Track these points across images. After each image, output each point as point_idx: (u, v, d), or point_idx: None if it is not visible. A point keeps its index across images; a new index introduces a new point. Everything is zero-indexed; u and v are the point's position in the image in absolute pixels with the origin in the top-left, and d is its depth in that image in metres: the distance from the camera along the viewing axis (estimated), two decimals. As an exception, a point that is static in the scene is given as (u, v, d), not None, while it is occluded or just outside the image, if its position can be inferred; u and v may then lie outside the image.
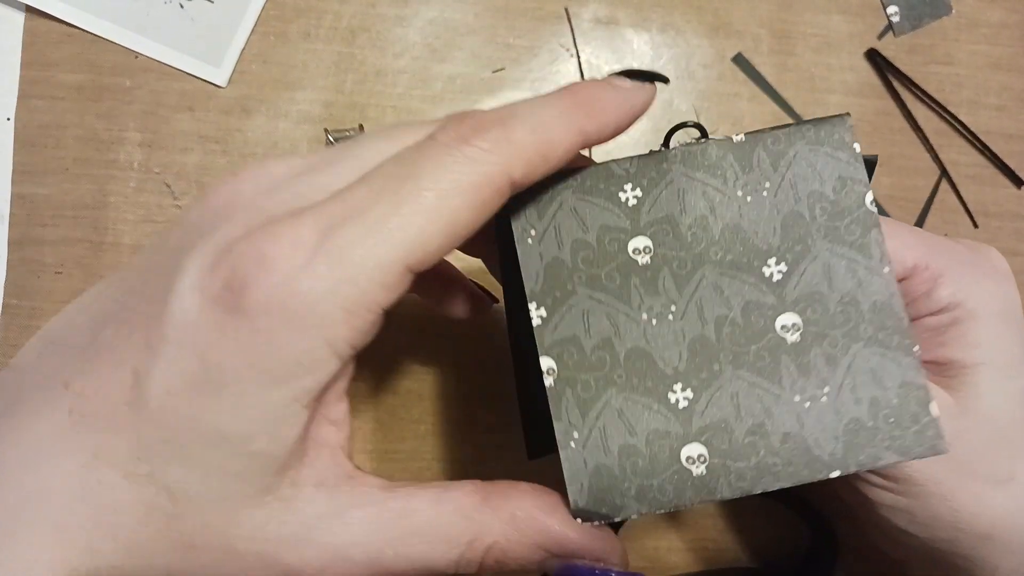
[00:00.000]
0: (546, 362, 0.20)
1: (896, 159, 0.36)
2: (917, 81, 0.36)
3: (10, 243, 0.33)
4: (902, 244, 0.23)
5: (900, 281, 0.23)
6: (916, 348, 0.20)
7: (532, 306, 0.20)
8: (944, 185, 0.37)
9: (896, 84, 0.37)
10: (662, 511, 0.20)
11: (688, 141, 0.21)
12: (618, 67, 0.35)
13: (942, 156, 0.37)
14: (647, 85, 0.20)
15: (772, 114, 0.36)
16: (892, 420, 0.19)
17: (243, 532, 0.17)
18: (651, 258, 0.20)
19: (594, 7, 0.35)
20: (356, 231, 0.16)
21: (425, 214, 0.17)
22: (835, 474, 0.19)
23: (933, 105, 0.37)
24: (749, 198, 0.20)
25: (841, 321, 0.20)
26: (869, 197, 0.20)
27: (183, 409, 0.16)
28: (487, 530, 0.18)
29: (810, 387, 0.20)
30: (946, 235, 0.36)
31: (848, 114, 0.21)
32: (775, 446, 0.20)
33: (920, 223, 0.36)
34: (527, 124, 0.18)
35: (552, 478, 0.20)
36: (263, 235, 0.16)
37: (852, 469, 0.19)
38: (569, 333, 0.20)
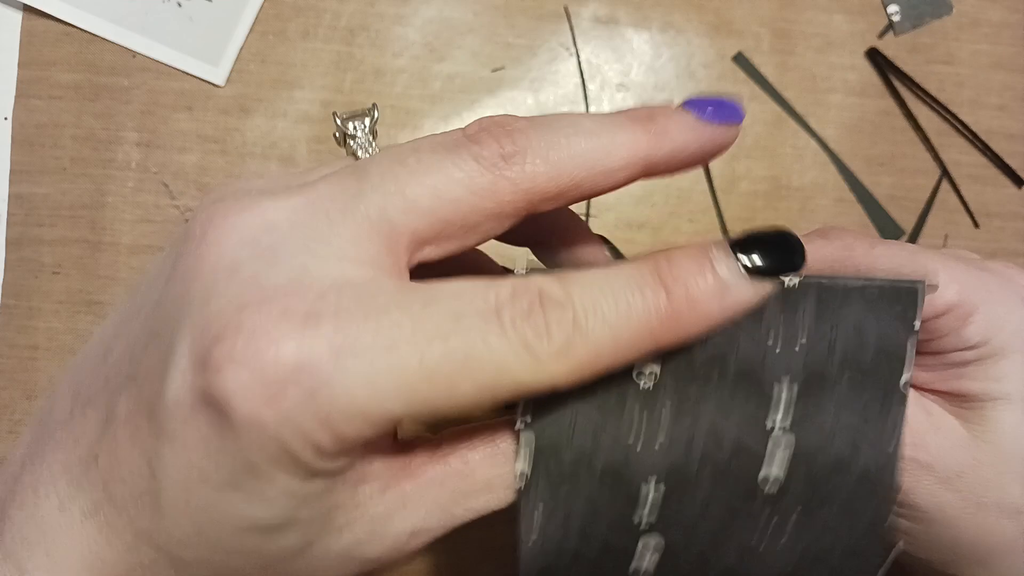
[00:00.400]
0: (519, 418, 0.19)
1: (897, 159, 0.36)
2: (918, 80, 0.36)
3: (8, 243, 0.33)
4: (950, 278, 0.21)
5: (937, 318, 0.22)
6: (887, 521, 0.19)
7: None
8: (945, 185, 0.37)
9: (897, 83, 0.36)
10: None
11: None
12: (616, 70, 0.35)
13: (943, 156, 0.36)
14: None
15: (773, 113, 0.36)
16: (841, 558, 0.19)
17: (317, 569, 0.17)
18: (654, 384, 0.18)
19: (594, 6, 0.35)
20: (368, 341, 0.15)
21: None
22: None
23: (934, 105, 0.36)
24: (779, 349, 0.18)
25: (823, 483, 0.18)
26: (904, 378, 0.18)
27: (204, 499, 0.16)
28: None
29: (777, 536, 0.19)
30: (947, 235, 0.36)
31: (922, 284, 0.18)
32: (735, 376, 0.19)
33: (921, 223, 0.36)
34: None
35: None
36: (253, 333, 0.15)
37: None
38: (552, 439, 0.19)
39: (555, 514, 0.19)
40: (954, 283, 0.21)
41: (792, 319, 0.18)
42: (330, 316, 0.15)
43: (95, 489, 0.16)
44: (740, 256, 0.16)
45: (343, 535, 0.17)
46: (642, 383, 0.18)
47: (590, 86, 0.35)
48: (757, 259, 0.16)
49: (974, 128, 0.36)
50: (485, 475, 0.18)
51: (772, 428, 0.18)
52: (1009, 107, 0.37)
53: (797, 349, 0.18)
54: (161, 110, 0.33)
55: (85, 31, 0.33)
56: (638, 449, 0.18)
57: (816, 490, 0.18)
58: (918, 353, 0.21)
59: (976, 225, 0.37)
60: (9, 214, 0.33)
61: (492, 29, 0.35)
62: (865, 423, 0.18)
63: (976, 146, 0.37)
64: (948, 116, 0.36)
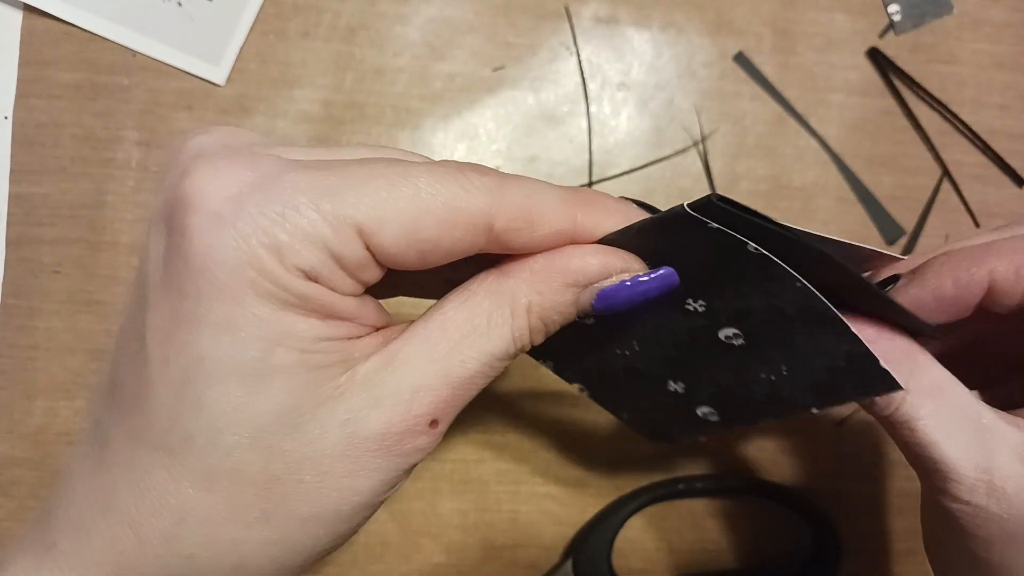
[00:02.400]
0: (576, 385, 0.25)
1: (898, 158, 0.36)
2: (919, 80, 0.36)
3: (8, 242, 0.33)
4: None
5: None
6: (849, 328, 0.20)
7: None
8: (946, 185, 0.36)
9: (898, 83, 0.36)
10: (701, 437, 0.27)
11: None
12: (616, 69, 0.35)
13: (944, 156, 0.36)
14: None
15: (773, 113, 0.36)
16: (849, 377, 0.21)
17: (315, 438, 0.17)
18: (593, 321, 0.21)
19: (595, 6, 0.35)
20: (301, 177, 0.16)
21: (393, 192, 0.16)
22: (815, 411, 0.22)
23: (935, 104, 0.36)
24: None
25: (772, 321, 0.20)
26: (751, 247, 0.19)
27: (178, 351, 0.16)
28: (517, 295, 0.18)
29: (772, 369, 0.22)
30: (947, 236, 0.36)
31: (686, 205, 0.18)
32: (763, 403, 0.22)
33: (921, 223, 0.36)
34: (524, 187, 0.18)
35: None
36: (202, 161, 0.16)
37: (827, 407, 0.22)
38: (578, 364, 0.24)
39: (618, 402, 0.26)
40: None
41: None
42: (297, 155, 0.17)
43: (103, 414, 0.17)
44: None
45: (338, 406, 0.17)
46: (587, 320, 0.20)
47: (591, 85, 0.35)
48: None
49: (975, 128, 0.36)
50: (465, 321, 0.18)
51: (692, 307, 0.21)
52: (1010, 107, 0.37)
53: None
54: (161, 109, 0.33)
55: (85, 30, 0.33)
56: (627, 353, 0.23)
57: (768, 329, 0.20)
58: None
59: (977, 225, 0.37)
60: (9, 213, 0.33)
61: (493, 28, 0.35)
62: (753, 278, 0.20)
63: (977, 146, 0.37)
64: (949, 116, 0.36)
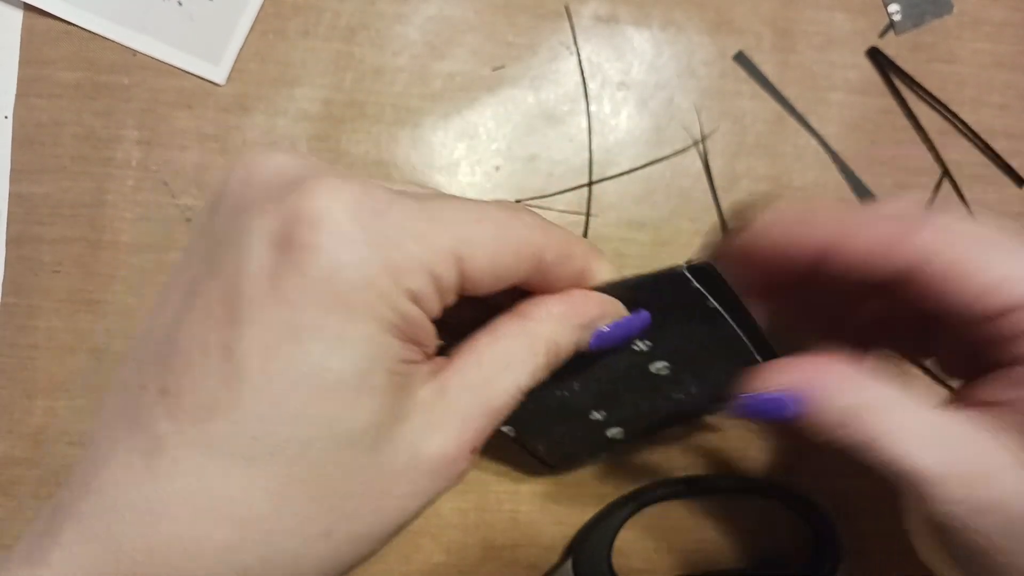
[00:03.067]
0: (505, 428, 0.27)
1: (898, 158, 0.36)
2: (919, 79, 0.36)
3: (8, 241, 0.33)
4: (1013, 270, 0.21)
5: (1009, 313, 0.21)
6: (759, 358, 0.25)
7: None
8: (946, 184, 0.36)
9: (898, 82, 0.36)
10: (600, 458, 0.30)
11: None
12: (616, 68, 0.35)
13: (944, 155, 0.36)
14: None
15: (773, 112, 0.36)
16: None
17: (388, 458, 0.18)
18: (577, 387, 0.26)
19: (594, 5, 0.35)
20: (409, 206, 0.17)
21: (482, 225, 0.19)
22: (707, 417, 0.29)
23: (935, 104, 0.36)
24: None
25: (701, 356, 0.25)
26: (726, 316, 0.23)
27: (284, 365, 0.16)
28: (538, 336, 0.21)
29: (683, 390, 0.26)
30: (948, 234, 0.36)
31: (683, 266, 0.22)
32: (666, 417, 0.28)
33: (922, 222, 0.36)
34: (561, 230, 0.21)
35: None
36: (322, 183, 0.17)
37: (718, 415, 0.28)
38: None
39: (538, 438, 0.29)
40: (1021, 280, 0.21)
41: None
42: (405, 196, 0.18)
43: (159, 423, 0.17)
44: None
45: (405, 428, 0.18)
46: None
47: (591, 84, 0.35)
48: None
49: (975, 127, 0.36)
50: (500, 358, 0.20)
51: (638, 347, 0.24)
52: (1011, 106, 0.37)
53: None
54: (161, 108, 0.33)
55: (85, 29, 0.33)
56: (566, 394, 0.26)
57: (695, 362, 0.25)
58: (999, 366, 0.22)
59: (977, 224, 0.37)
60: (9, 212, 0.33)
61: (493, 28, 0.35)
62: (703, 323, 0.24)
63: (977, 145, 0.37)
64: (949, 115, 0.36)
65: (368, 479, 0.18)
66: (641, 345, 0.24)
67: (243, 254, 0.17)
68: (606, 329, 0.22)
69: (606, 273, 0.22)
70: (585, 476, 0.34)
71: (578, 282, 0.22)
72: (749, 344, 0.24)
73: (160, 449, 0.17)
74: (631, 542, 0.34)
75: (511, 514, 0.34)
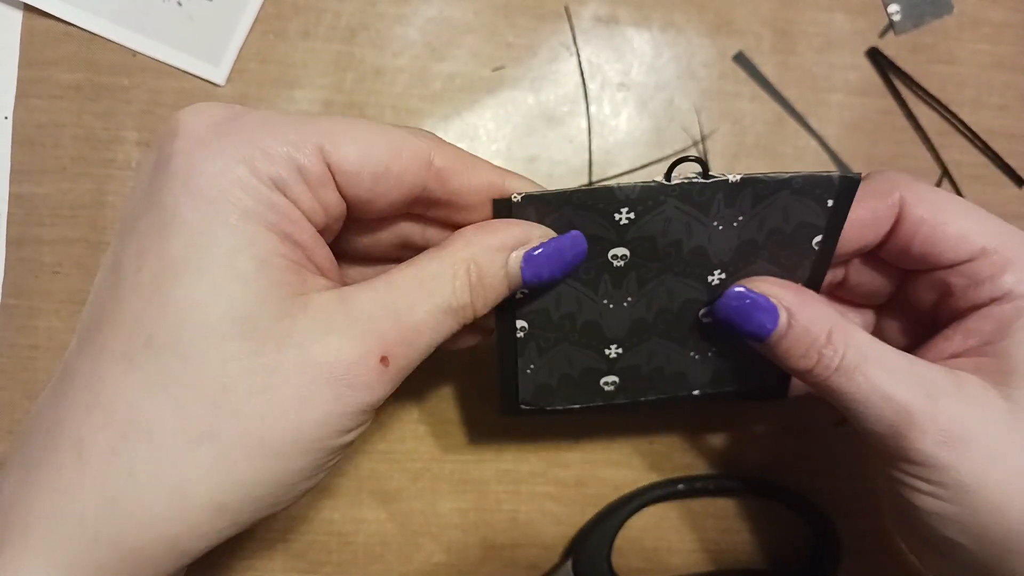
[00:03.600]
0: (520, 322, 0.26)
1: (898, 159, 0.36)
2: (919, 80, 0.36)
3: (8, 242, 0.33)
4: (975, 226, 0.24)
5: (966, 263, 0.23)
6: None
7: None
8: (945, 185, 0.36)
9: (898, 83, 0.36)
10: (575, 406, 0.28)
11: (689, 176, 0.24)
12: (616, 69, 0.35)
13: (944, 156, 0.36)
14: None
15: (773, 113, 0.36)
16: (752, 370, 0.27)
17: (270, 352, 0.18)
18: (625, 264, 0.25)
19: (594, 6, 0.35)
20: (271, 114, 0.19)
21: (350, 124, 0.19)
22: (696, 392, 0.28)
23: (935, 104, 0.36)
24: (721, 227, 0.24)
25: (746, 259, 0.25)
26: (817, 239, 0.25)
27: (154, 257, 0.18)
28: (455, 258, 0.21)
29: (703, 350, 0.27)
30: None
31: (837, 175, 0.24)
32: (665, 377, 0.28)
33: (922, 223, 0.36)
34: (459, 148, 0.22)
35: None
36: (188, 109, 0.19)
37: (707, 392, 0.28)
38: (542, 306, 0.25)
39: (545, 351, 0.27)
40: (992, 231, 0.23)
41: (732, 206, 0.24)
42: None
43: (69, 352, 0.19)
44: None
45: (293, 325, 0.18)
46: (615, 263, 0.25)
47: (591, 85, 0.35)
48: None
49: (975, 128, 0.36)
50: (412, 277, 0.20)
51: (712, 281, 0.25)
52: (1010, 107, 0.37)
53: (735, 225, 0.24)
54: (161, 109, 0.33)
55: (85, 30, 0.33)
56: (611, 307, 0.26)
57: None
58: (958, 319, 0.24)
59: (977, 225, 0.37)
60: (9, 214, 0.33)
61: (492, 29, 0.35)
62: (783, 271, 0.25)
63: (977, 146, 0.37)
64: (949, 116, 0.36)
65: (247, 371, 0.17)
66: (717, 276, 0.25)
67: (135, 179, 0.18)
68: (531, 251, 0.22)
69: (521, 185, 0.23)
70: (585, 476, 0.34)
71: (502, 193, 0.22)
72: (809, 271, 0.25)
73: (68, 373, 0.18)
74: (631, 542, 0.34)
75: (511, 514, 0.34)
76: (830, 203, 0.24)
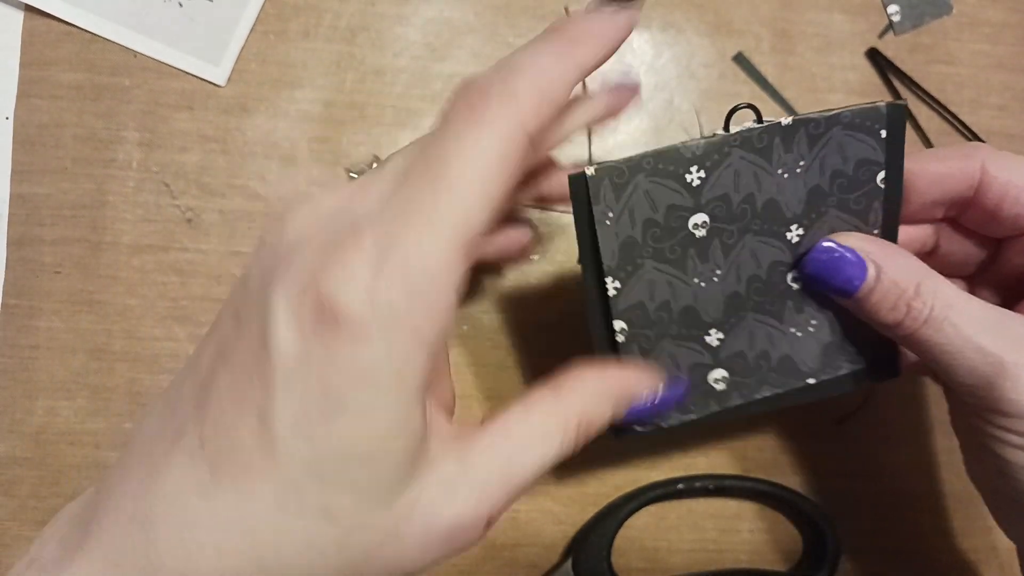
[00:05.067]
0: (619, 324, 0.25)
1: (897, 159, 0.36)
2: (918, 80, 0.36)
3: (9, 243, 0.33)
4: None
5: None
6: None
7: (608, 280, 0.25)
8: (945, 185, 0.37)
9: (897, 83, 0.36)
10: (691, 417, 0.26)
11: (746, 124, 0.24)
12: (616, 69, 0.35)
13: (943, 156, 0.36)
14: (626, 8, 0.22)
15: (773, 113, 0.36)
16: (855, 341, 0.26)
17: (402, 518, 0.19)
18: (707, 231, 0.25)
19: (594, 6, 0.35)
20: (411, 234, 0.17)
21: (463, 195, 0.18)
22: (811, 380, 0.27)
23: (934, 105, 0.36)
24: (786, 175, 0.25)
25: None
26: (880, 176, 0.25)
27: (316, 436, 0.17)
28: (569, 415, 0.21)
29: (802, 323, 0.26)
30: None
31: (883, 104, 0.24)
32: (774, 365, 0.26)
33: (921, 223, 0.36)
34: (527, 76, 0.19)
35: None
36: (335, 258, 0.17)
37: (821, 378, 0.27)
38: (637, 300, 0.25)
39: (648, 353, 0.26)
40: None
41: (791, 150, 0.24)
42: (387, 212, 0.18)
43: (198, 469, 0.18)
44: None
45: (423, 492, 0.19)
46: (697, 233, 0.24)
47: (591, 86, 0.35)
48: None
49: (974, 128, 0.36)
50: (526, 434, 0.21)
51: (791, 238, 0.25)
52: (1009, 107, 0.37)
53: (799, 171, 0.24)
54: (162, 110, 0.33)
55: (86, 31, 0.33)
56: (703, 285, 0.25)
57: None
58: None
59: (976, 225, 0.37)
60: (10, 214, 0.33)
61: (493, 29, 0.35)
62: (856, 217, 0.25)
63: (976, 146, 0.37)
64: (948, 116, 0.36)
65: (385, 539, 0.18)
66: (795, 233, 0.25)
67: (272, 325, 0.17)
68: (636, 407, 0.23)
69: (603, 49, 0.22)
70: (585, 476, 0.34)
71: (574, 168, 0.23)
72: (882, 213, 0.25)
73: (202, 494, 0.18)
74: (631, 541, 0.34)
75: (511, 513, 0.34)
76: (883, 134, 0.24)
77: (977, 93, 0.37)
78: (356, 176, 0.21)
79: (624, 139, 0.35)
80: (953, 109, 0.36)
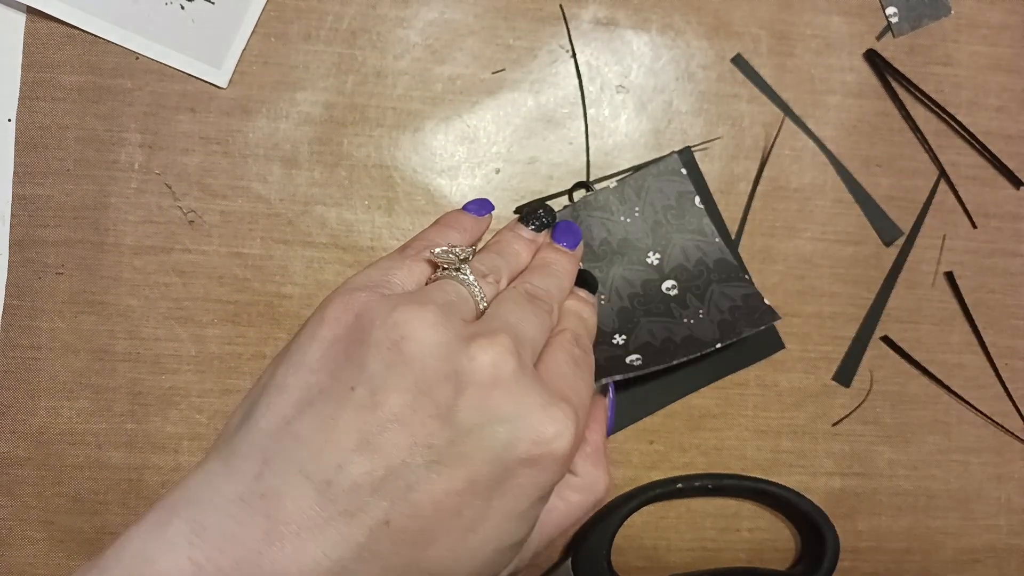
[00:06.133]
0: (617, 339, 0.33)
1: (895, 160, 0.36)
2: (916, 82, 0.36)
3: (11, 244, 0.33)
4: None
5: None
6: (747, 276, 0.34)
7: None
8: (943, 186, 0.37)
9: (895, 85, 0.37)
10: (616, 377, 0.31)
11: (585, 193, 0.34)
12: (615, 71, 0.36)
13: (941, 157, 0.37)
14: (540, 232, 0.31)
15: (772, 115, 0.36)
16: (743, 313, 0.33)
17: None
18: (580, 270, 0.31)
19: (593, 8, 0.35)
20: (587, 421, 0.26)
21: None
22: (718, 345, 0.32)
23: (932, 106, 0.37)
24: (628, 219, 0.34)
25: (698, 275, 0.34)
26: (697, 200, 0.34)
27: (493, 532, 0.22)
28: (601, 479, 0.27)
29: (691, 314, 0.33)
30: (945, 236, 0.36)
31: (677, 152, 0.35)
32: (679, 343, 0.32)
33: (919, 224, 0.36)
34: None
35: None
36: (559, 424, 0.23)
37: (727, 341, 0.32)
38: None
39: None
40: None
41: (625, 201, 0.34)
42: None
43: (380, 542, 0.20)
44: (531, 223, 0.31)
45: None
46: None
47: (590, 88, 0.35)
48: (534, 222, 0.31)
49: (972, 129, 0.36)
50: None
51: (652, 261, 0.34)
52: (1007, 108, 0.37)
53: (637, 213, 0.34)
54: (164, 112, 0.34)
55: (88, 33, 0.33)
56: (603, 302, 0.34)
57: (694, 280, 0.34)
58: None
59: (974, 226, 0.37)
60: (13, 215, 0.33)
61: (493, 31, 0.35)
62: (695, 234, 0.34)
63: (974, 147, 0.37)
64: (946, 117, 0.37)
65: None
66: (653, 258, 0.34)
67: (503, 461, 0.22)
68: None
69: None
70: (584, 476, 0.34)
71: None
72: (730, 256, 0.34)
73: (374, 557, 0.20)
74: (630, 540, 0.34)
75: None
76: (684, 171, 0.34)
77: (975, 94, 0.37)
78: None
79: (623, 140, 0.35)
80: (951, 110, 0.36)
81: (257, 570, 0.18)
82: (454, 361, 0.22)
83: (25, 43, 0.33)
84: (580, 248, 0.32)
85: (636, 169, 0.34)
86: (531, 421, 0.22)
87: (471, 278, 0.26)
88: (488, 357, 0.22)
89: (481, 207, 0.31)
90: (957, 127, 0.37)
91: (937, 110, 0.37)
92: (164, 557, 0.19)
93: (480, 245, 0.31)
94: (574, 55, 0.35)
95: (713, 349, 0.31)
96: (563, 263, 0.30)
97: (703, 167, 0.35)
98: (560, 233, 0.31)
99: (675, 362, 0.31)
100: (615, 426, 0.34)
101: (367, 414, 0.21)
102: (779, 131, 0.36)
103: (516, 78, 0.35)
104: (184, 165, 0.34)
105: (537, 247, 0.31)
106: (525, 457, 0.22)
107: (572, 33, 0.35)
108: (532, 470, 0.22)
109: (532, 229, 0.31)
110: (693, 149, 0.34)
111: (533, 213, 0.32)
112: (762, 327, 0.32)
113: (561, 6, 0.35)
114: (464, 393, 0.21)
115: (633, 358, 0.32)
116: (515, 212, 0.33)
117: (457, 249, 0.26)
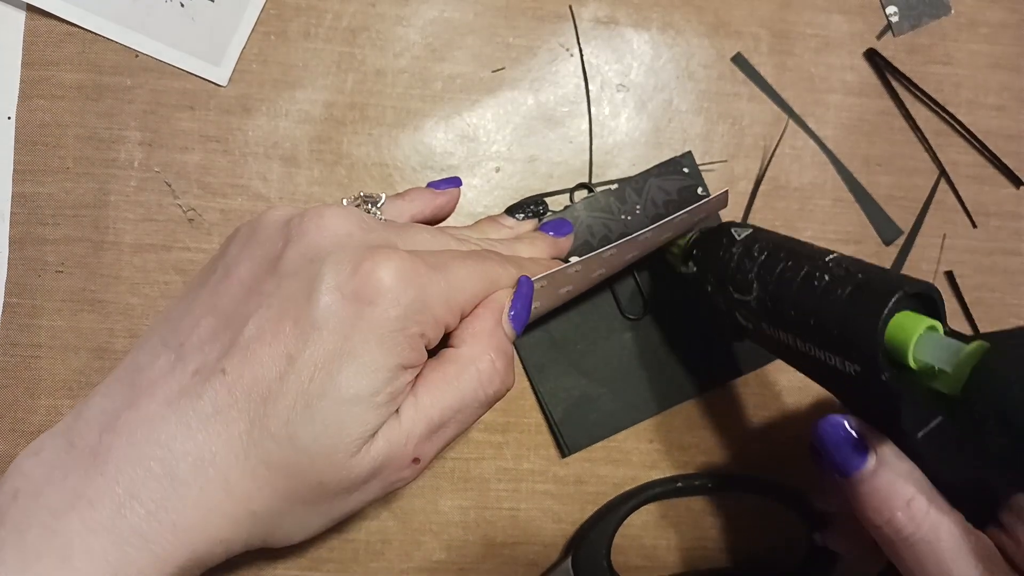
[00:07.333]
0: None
1: (895, 159, 0.36)
2: (916, 81, 0.36)
3: (11, 242, 0.33)
4: None
5: None
6: (686, 170, 0.35)
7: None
8: (943, 185, 0.37)
9: (895, 84, 0.37)
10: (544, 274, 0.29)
11: (585, 195, 0.35)
12: (616, 70, 0.36)
13: (941, 156, 0.37)
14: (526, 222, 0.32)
15: (772, 113, 0.36)
16: (676, 207, 0.34)
17: (356, 462, 0.22)
18: (582, 266, 0.29)
19: (594, 7, 0.35)
20: (437, 280, 0.23)
21: (474, 287, 0.25)
22: (648, 229, 0.30)
23: (932, 105, 0.37)
24: (629, 217, 0.34)
25: (644, 179, 0.35)
26: (700, 190, 0.35)
27: (328, 378, 0.21)
28: (477, 358, 0.24)
29: (628, 209, 0.34)
30: (944, 235, 0.37)
31: (684, 155, 0.35)
32: (615, 241, 0.30)
33: (919, 223, 0.36)
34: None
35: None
36: (381, 256, 0.22)
37: (655, 225, 0.30)
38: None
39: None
40: None
41: (625, 202, 0.35)
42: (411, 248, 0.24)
43: (218, 394, 0.21)
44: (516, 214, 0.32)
45: (376, 438, 0.23)
46: (571, 270, 0.28)
47: (590, 86, 0.35)
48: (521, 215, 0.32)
49: (972, 128, 0.36)
50: (441, 379, 0.24)
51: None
52: (1007, 107, 0.37)
53: (638, 211, 0.35)
54: (163, 110, 0.34)
55: (88, 31, 0.33)
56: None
57: (638, 181, 0.35)
58: None
59: (974, 225, 0.37)
60: (13, 213, 0.33)
61: (492, 30, 0.35)
62: (693, 219, 0.31)
63: (974, 146, 0.37)
64: (946, 116, 0.37)
65: (339, 480, 0.22)
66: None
67: (319, 293, 0.21)
68: (512, 312, 0.26)
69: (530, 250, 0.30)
70: (585, 474, 0.34)
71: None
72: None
73: (217, 414, 0.21)
74: (630, 539, 0.34)
75: (511, 512, 0.34)
76: (686, 171, 0.35)
77: (975, 93, 0.37)
78: (365, 201, 0.28)
79: (623, 139, 0.35)
80: (951, 109, 0.36)
81: (112, 434, 0.21)
82: (293, 226, 0.23)
83: (25, 41, 0.33)
84: (567, 240, 0.31)
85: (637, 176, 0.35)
86: (347, 254, 0.22)
87: (380, 214, 0.27)
88: (333, 222, 0.23)
89: (445, 183, 0.30)
90: (957, 126, 0.37)
91: (937, 109, 0.37)
92: (45, 444, 0.22)
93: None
94: (581, 55, 0.35)
95: (644, 231, 0.30)
96: (537, 242, 0.30)
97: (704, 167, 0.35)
98: (549, 224, 0.31)
99: (607, 247, 0.29)
100: (527, 325, 0.30)
101: (220, 284, 0.23)
102: (784, 132, 0.36)
103: (516, 76, 0.35)
104: (184, 163, 0.34)
105: (515, 235, 0.30)
106: (349, 292, 0.21)
107: (576, 29, 0.35)
108: (359, 306, 0.21)
109: (516, 218, 0.31)
110: (700, 167, 0.35)
111: (521, 204, 0.32)
112: (695, 210, 0.30)
113: (571, 7, 0.35)
114: (291, 243, 0.23)
115: (573, 259, 0.29)
116: (506, 212, 0.32)
117: (376, 195, 0.28)
